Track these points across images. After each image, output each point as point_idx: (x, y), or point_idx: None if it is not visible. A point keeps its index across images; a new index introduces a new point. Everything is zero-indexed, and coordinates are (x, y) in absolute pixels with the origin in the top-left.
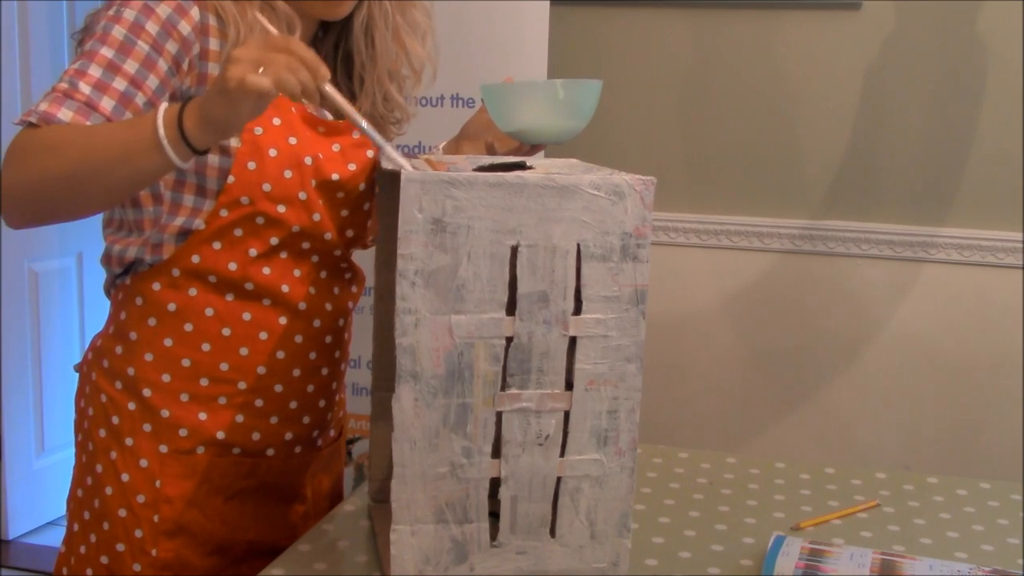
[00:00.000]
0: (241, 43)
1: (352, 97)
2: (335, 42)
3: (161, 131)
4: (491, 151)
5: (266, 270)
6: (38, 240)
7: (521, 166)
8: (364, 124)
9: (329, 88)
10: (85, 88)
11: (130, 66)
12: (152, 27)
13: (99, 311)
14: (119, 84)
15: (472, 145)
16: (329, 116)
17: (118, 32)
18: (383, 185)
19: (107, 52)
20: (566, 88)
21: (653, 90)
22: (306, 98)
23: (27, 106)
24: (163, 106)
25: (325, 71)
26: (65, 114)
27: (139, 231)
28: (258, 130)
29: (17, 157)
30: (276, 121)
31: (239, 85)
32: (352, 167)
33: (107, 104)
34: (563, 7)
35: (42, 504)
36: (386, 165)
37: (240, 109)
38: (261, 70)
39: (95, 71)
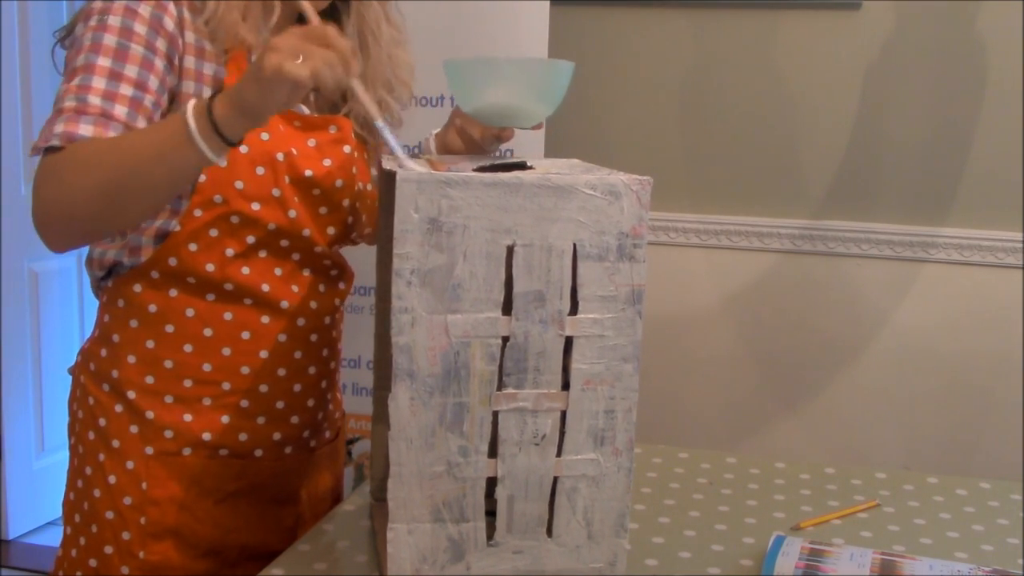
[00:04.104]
0: (211, 32)
1: (343, 99)
2: None
3: (192, 124)
4: (463, 135)
5: (245, 270)
6: (38, 240)
7: (522, 166)
8: (381, 123)
9: (356, 84)
10: (95, 100)
11: (130, 71)
12: (140, 28)
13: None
14: (126, 90)
15: (451, 131)
16: (306, 110)
17: (110, 40)
18: (382, 185)
19: (105, 61)
20: (520, 67)
21: (653, 90)
22: (334, 90)
23: (27, 106)
24: (191, 103)
25: (356, 66)
26: (86, 129)
27: (120, 234)
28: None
29: (50, 179)
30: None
31: (276, 73)
32: (328, 163)
33: (120, 111)
34: (563, 7)
35: (42, 504)
36: (388, 165)
37: (274, 97)
38: (300, 60)
39: (99, 82)
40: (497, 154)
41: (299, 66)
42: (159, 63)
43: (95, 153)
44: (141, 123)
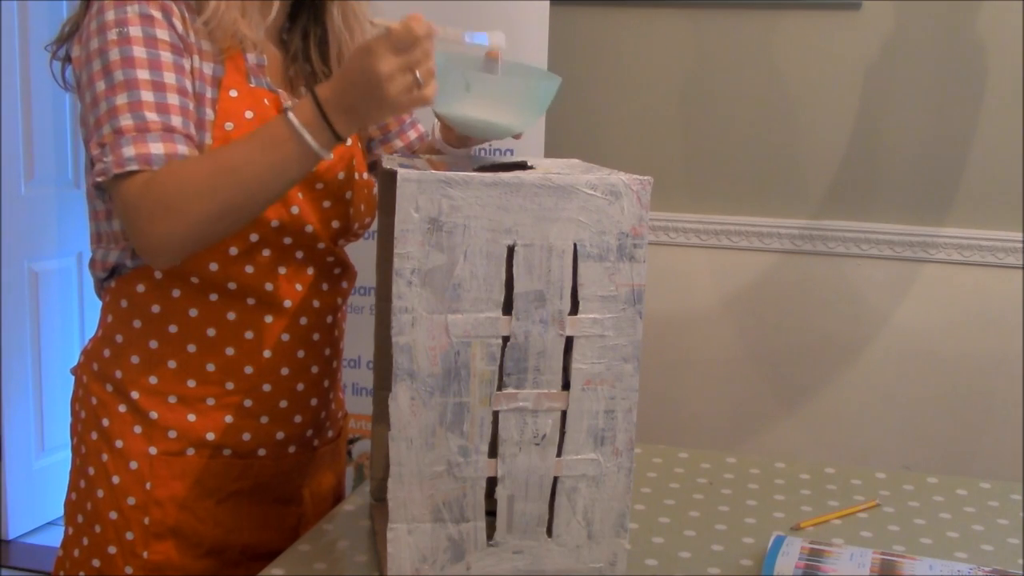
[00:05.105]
0: (210, 32)
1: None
2: (303, 29)
3: (312, 144)
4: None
5: (249, 268)
6: (38, 240)
7: (522, 166)
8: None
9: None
10: (152, 116)
11: (169, 78)
12: (162, 34)
13: (99, 312)
14: (173, 99)
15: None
16: None
17: (139, 52)
18: (382, 185)
19: (144, 74)
20: (477, 81)
21: (653, 90)
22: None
23: (27, 106)
24: (289, 115)
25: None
26: (156, 147)
27: (125, 239)
28: (229, 126)
29: (151, 213)
30: (248, 115)
31: (410, 103)
32: (329, 156)
33: (177, 121)
34: (563, 7)
35: (42, 504)
36: (388, 165)
37: (399, 111)
38: (419, 87)
39: (148, 96)
40: (497, 154)
41: (427, 91)
42: (186, 63)
43: (205, 178)
44: (192, 129)
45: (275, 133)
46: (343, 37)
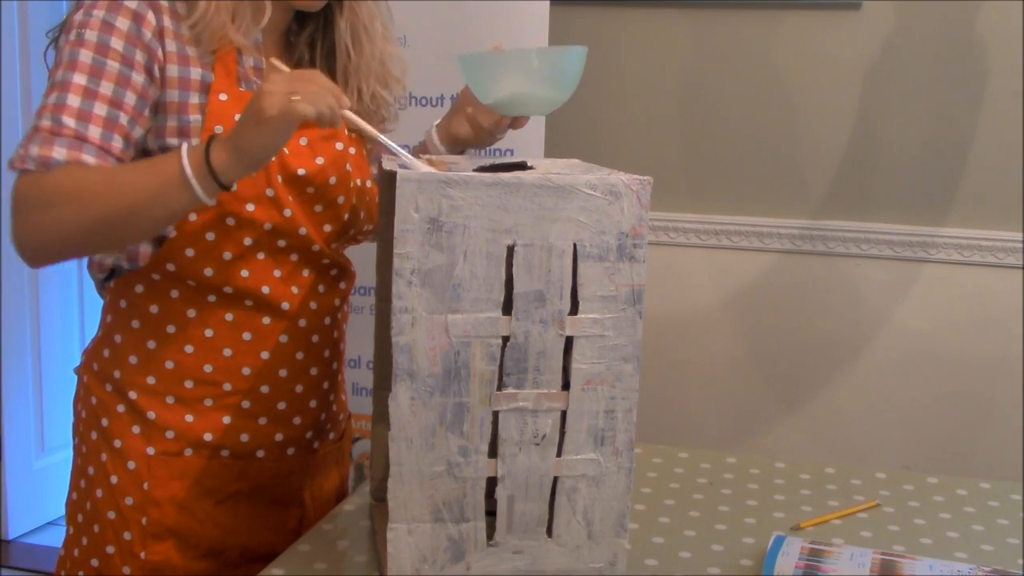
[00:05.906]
0: (196, 35)
1: None
2: (310, 38)
3: (188, 171)
4: (473, 123)
5: (244, 272)
6: None
7: (522, 166)
8: (384, 139)
9: (349, 113)
10: (70, 121)
11: (105, 88)
12: (117, 43)
13: (99, 311)
14: (100, 109)
15: (457, 119)
16: None
17: (86, 57)
18: (383, 185)
19: (80, 79)
20: (541, 56)
21: (653, 90)
22: (331, 123)
23: (27, 106)
24: (185, 146)
25: (346, 99)
26: (60, 152)
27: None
28: (218, 128)
29: (31, 206)
30: (238, 118)
31: (282, 113)
32: (320, 160)
33: (94, 132)
34: (563, 7)
35: (42, 504)
36: (388, 166)
37: (276, 139)
38: (296, 98)
39: (74, 101)
40: (497, 154)
41: (301, 104)
42: (137, 77)
43: (89, 188)
44: (117, 142)
45: (167, 167)
46: (349, 53)
